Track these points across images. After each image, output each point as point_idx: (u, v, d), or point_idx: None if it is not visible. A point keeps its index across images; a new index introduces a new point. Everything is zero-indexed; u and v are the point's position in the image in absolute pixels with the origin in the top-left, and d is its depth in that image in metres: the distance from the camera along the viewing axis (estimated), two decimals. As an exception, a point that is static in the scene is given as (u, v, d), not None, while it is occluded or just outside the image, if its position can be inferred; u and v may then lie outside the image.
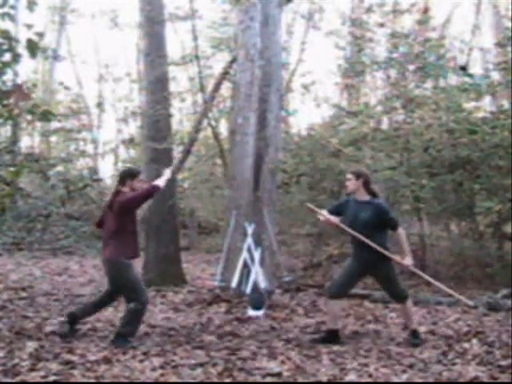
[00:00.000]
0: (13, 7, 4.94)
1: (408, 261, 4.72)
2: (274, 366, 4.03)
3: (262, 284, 6.19)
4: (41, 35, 4.94)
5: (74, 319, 4.89)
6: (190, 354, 4.36)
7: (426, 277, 4.96)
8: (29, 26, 4.88)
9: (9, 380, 3.71)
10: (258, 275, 6.22)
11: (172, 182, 8.95)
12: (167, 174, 4.97)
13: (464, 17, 17.23)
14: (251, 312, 5.85)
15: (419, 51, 8.74)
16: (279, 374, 3.87)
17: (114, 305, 6.64)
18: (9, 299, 6.87)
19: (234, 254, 6.52)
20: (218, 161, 10.36)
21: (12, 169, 6.78)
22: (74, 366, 3.98)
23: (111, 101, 19.76)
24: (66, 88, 15.90)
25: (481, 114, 8.62)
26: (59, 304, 6.62)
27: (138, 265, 9.84)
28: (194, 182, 15.26)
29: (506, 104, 8.78)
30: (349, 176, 4.84)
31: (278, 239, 7.17)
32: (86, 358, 4.16)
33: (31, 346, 4.47)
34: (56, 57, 9.42)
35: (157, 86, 8.69)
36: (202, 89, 8.85)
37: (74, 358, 4.16)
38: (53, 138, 18.68)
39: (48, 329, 5.14)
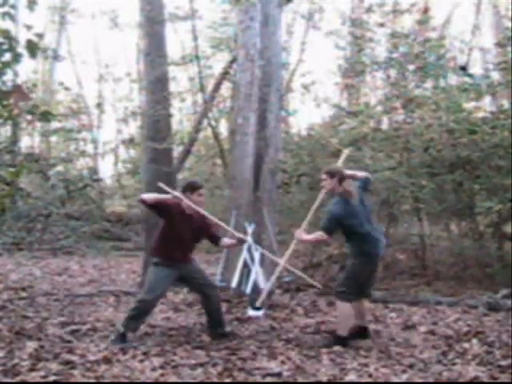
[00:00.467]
0: (13, 7, 4.95)
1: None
2: (273, 366, 4.03)
3: (262, 284, 6.19)
4: (40, 36, 4.94)
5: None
6: (190, 353, 4.36)
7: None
8: (28, 27, 4.89)
9: (9, 380, 3.71)
10: (258, 275, 6.22)
11: (172, 181, 8.97)
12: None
13: (464, 17, 17.24)
14: (251, 312, 5.84)
15: (419, 51, 8.74)
16: (279, 374, 3.87)
17: (114, 305, 6.66)
18: (9, 299, 6.87)
19: (234, 254, 6.52)
20: (218, 161, 10.37)
21: (12, 169, 6.77)
22: (74, 366, 3.98)
23: (111, 101, 19.77)
24: (66, 88, 15.89)
25: (481, 114, 8.61)
26: (59, 304, 6.62)
27: (137, 265, 9.87)
28: (194, 182, 15.25)
29: (506, 104, 8.78)
30: (323, 176, 4.79)
31: (277, 239, 7.16)
32: (85, 358, 4.16)
33: (31, 345, 4.47)
34: (56, 57, 9.41)
35: (157, 86, 8.69)
36: (202, 89, 8.86)
37: (74, 358, 4.16)
38: (53, 138, 18.66)
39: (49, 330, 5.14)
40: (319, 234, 4.69)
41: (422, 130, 8.28)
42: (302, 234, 4.80)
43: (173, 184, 9.00)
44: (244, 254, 6.29)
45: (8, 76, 5.28)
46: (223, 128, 14.28)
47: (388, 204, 8.11)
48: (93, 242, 13.42)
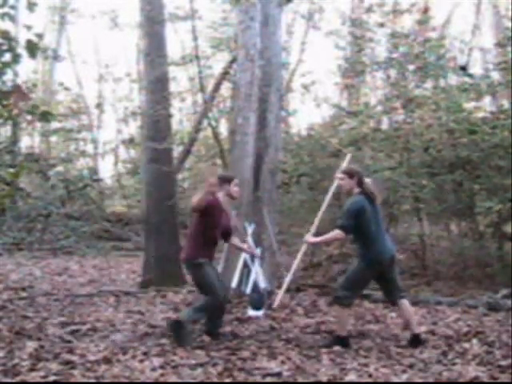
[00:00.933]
0: (13, 7, 4.95)
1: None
2: (273, 366, 4.03)
3: (262, 284, 6.19)
4: (40, 36, 4.94)
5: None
6: (190, 354, 4.36)
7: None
8: (28, 28, 4.89)
9: (9, 380, 3.71)
10: (258, 275, 6.22)
11: (172, 181, 8.98)
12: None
13: (464, 17, 17.27)
14: (251, 312, 5.84)
15: (419, 51, 8.74)
16: (279, 374, 3.87)
17: (114, 305, 6.66)
18: (9, 299, 6.87)
19: (234, 254, 6.52)
20: (218, 161, 10.36)
21: (12, 169, 6.78)
22: (74, 366, 3.98)
23: (111, 101, 19.79)
24: (66, 89, 15.91)
25: (481, 114, 8.61)
26: (59, 304, 6.62)
27: (137, 265, 9.87)
28: (194, 182, 15.28)
29: (506, 104, 8.78)
30: (341, 176, 4.79)
31: (277, 239, 7.16)
32: (85, 358, 4.16)
33: (31, 345, 4.47)
34: (56, 57, 9.42)
35: (157, 86, 8.69)
36: (202, 89, 8.85)
37: (74, 358, 4.16)
38: (53, 138, 18.68)
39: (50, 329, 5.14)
40: (336, 233, 4.64)
41: (422, 130, 8.29)
42: (310, 237, 4.81)
43: (173, 184, 9.03)
44: (244, 254, 6.29)
45: (8, 76, 5.29)
46: (223, 128, 14.30)
47: (388, 204, 8.11)
48: (93, 242, 13.41)
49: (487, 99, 10.60)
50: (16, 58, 4.99)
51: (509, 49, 8.77)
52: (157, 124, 8.63)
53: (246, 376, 3.86)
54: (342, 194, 5.24)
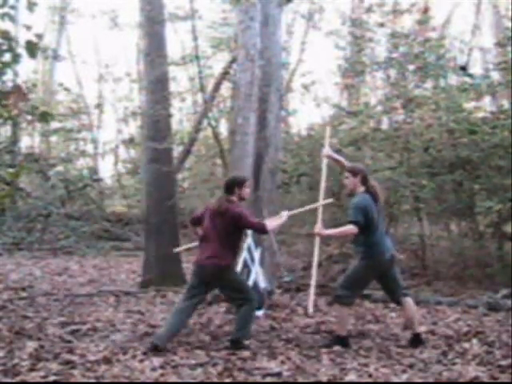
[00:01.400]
0: (13, 7, 4.95)
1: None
2: (273, 366, 4.03)
3: (262, 284, 6.18)
4: (40, 36, 4.94)
5: None
6: (190, 354, 4.36)
7: None
8: (28, 28, 4.89)
9: (9, 380, 3.71)
10: (258, 275, 6.21)
11: (172, 181, 8.98)
12: (283, 217, 4.97)
13: (464, 17, 17.31)
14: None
15: (419, 51, 8.74)
16: (279, 374, 3.87)
17: (114, 305, 6.66)
18: (9, 299, 6.87)
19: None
20: (218, 161, 10.36)
21: (12, 169, 6.78)
22: (74, 366, 3.98)
23: (111, 101, 19.78)
24: (66, 89, 15.92)
25: (481, 114, 8.61)
26: (59, 304, 6.62)
27: (137, 265, 9.87)
28: (194, 182, 15.27)
29: (506, 104, 8.78)
30: (346, 174, 4.78)
31: (277, 239, 7.16)
32: (85, 358, 4.16)
33: (31, 345, 4.47)
34: (56, 57, 9.43)
35: (157, 86, 8.69)
36: (202, 89, 8.85)
37: (74, 358, 4.16)
38: (53, 138, 18.69)
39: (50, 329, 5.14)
40: (348, 228, 4.57)
41: (422, 130, 8.28)
42: (322, 229, 4.71)
43: (173, 184, 9.03)
44: (244, 254, 6.28)
45: (8, 76, 5.29)
46: (223, 128, 14.29)
47: (388, 204, 8.11)
48: (93, 242, 13.44)
49: (487, 99, 10.60)
50: (16, 58, 4.99)
51: (509, 49, 8.76)
52: (157, 124, 8.63)
53: (245, 376, 3.86)
54: (342, 194, 5.25)
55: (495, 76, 9.25)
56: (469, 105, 8.66)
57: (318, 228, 4.70)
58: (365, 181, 4.69)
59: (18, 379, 3.73)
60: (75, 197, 15.02)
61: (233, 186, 4.80)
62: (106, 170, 20.67)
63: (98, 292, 7.52)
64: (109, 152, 19.70)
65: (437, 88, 8.98)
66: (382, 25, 9.60)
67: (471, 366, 4.00)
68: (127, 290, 7.66)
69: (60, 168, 16.08)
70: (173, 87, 11.98)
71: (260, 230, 4.81)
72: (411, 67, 8.91)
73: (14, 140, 14.57)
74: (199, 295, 4.75)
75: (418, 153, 8.26)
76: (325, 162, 5.05)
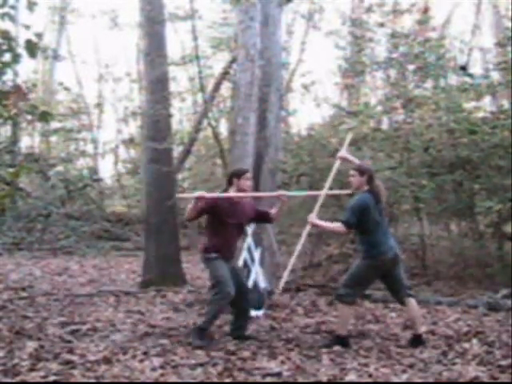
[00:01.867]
0: (13, 7, 4.95)
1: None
2: (273, 366, 4.03)
3: (262, 284, 6.19)
4: (40, 36, 4.94)
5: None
6: (189, 354, 4.36)
7: None
8: (27, 27, 4.89)
9: (9, 380, 3.71)
10: (258, 275, 6.22)
11: (172, 181, 8.98)
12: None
13: (464, 17, 17.32)
14: (251, 312, 5.83)
15: (419, 51, 8.74)
16: (279, 374, 3.87)
17: (114, 305, 6.66)
18: (9, 299, 6.87)
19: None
20: (218, 161, 10.37)
21: (12, 169, 6.78)
22: (74, 366, 3.98)
23: (111, 101, 19.80)
24: (66, 89, 15.93)
25: (481, 114, 8.61)
26: (59, 304, 6.62)
27: (137, 265, 9.87)
28: (194, 182, 15.29)
29: (506, 104, 8.78)
30: (352, 172, 4.79)
31: (277, 239, 7.15)
32: (85, 358, 4.16)
33: (31, 345, 4.47)
34: (56, 57, 9.44)
35: (157, 86, 8.68)
36: (202, 89, 8.85)
37: (74, 358, 4.16)
38: (53, 138, 18.70)
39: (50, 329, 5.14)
40: (337, 226, 4.65)
41: (422, 130, 8.29)
42: (314, 218, 4.75)
43: (173, 184, 9.02)
44: (244, 254, 6.28)
45: (8, 76, 5.29)
46: (223, 128, 14.31)
47: (388, 204, 8.11)
48: (93, 242, 13.44)
49: (487, 99, 10.61)
50: (16, 58, 4.99)
51: (509, 49, 8.77)
52: (157, 124, 8.63)
53: (246, 376, 3.86)
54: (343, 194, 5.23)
55: (495, 76, 9.26)
56: (469, 105, 8.67)
57: (311, 217, 4.76)
58: (370, 180, 4.70)
59: (17, 379, 3.73)
60: (75, 197, 15.02)
61: (231, 177, 4.94)
62: (106, 169, 20.70)
63: (98, 292, 7.52)
64: (109, 152, 19.72)
65: (437, 88, 8.98)
66: (381, 25, 9.61)
67: (471, 366, 4.00)
68: (127, 290, 7.66)
69: (60, 168, 16.09)
70: (173, 87, 12.01)
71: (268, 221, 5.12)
72: (411, 67, 8.91)
73: (14, 140, 14.57)
74: None
75: (417, 153, 8.25)
76: (338, 162, 5.09)
